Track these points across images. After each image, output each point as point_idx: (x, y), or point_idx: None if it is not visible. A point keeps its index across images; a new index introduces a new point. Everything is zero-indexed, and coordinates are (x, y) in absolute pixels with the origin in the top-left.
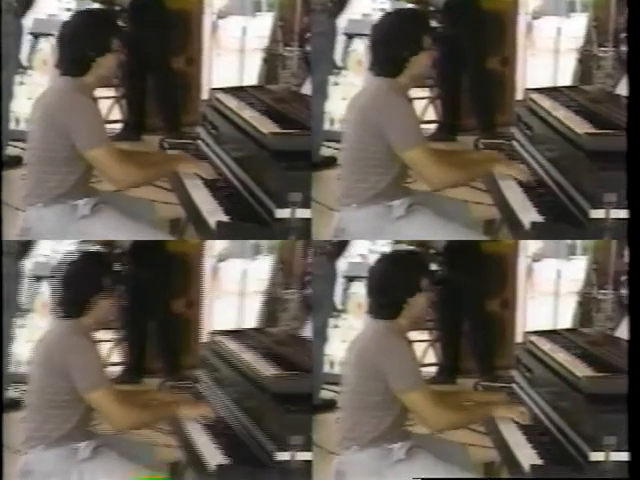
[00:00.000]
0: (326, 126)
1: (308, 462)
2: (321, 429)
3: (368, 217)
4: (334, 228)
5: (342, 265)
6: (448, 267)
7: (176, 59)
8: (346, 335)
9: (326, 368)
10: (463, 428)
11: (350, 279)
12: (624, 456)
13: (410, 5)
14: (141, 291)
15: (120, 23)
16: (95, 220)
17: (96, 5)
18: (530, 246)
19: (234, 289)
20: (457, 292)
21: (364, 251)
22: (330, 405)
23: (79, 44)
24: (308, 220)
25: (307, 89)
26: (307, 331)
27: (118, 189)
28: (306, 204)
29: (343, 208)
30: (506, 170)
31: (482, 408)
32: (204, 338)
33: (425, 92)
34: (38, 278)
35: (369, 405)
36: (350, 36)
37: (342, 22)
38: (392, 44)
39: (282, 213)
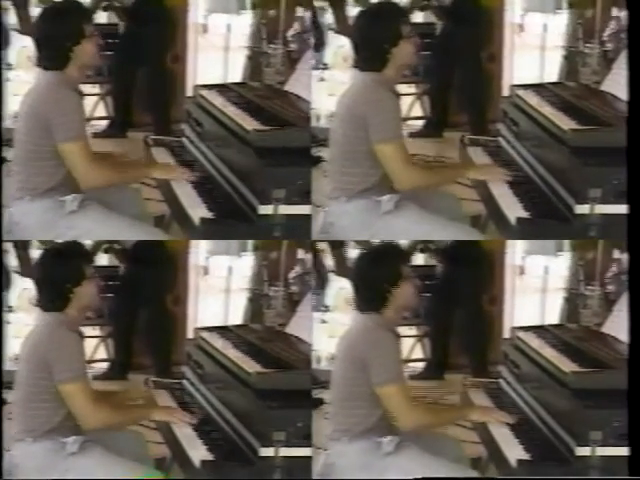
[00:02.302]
0: (312, 122)
1: (291, 457)
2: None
3: (356, 211)
4: (322, 223)
5: (329, 261)
6: (446, 264)
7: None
8: (334, 331)
9: (313, 364)
10: (434, 429)
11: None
12: (610, 451)
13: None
14: (131, 287)
15: (88, 7)
16: (82, 215)
17: None
18: (518, 243)
19: (220, 286)
20: (452, 288)
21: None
22: (317, 401)
23: (52, 38)
24: (291, 216)
25: (290, 86)
26: (291, 328)
27: (84, 187)
28: (290, 200)
29: (331, 202)
30: (480, 176)
31: (457, 411)
32: (190, 334)
33: (412, 88)
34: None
35: (358, 398)
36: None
37: (329, 19)
38: (371, 38)
39: (265, 210)
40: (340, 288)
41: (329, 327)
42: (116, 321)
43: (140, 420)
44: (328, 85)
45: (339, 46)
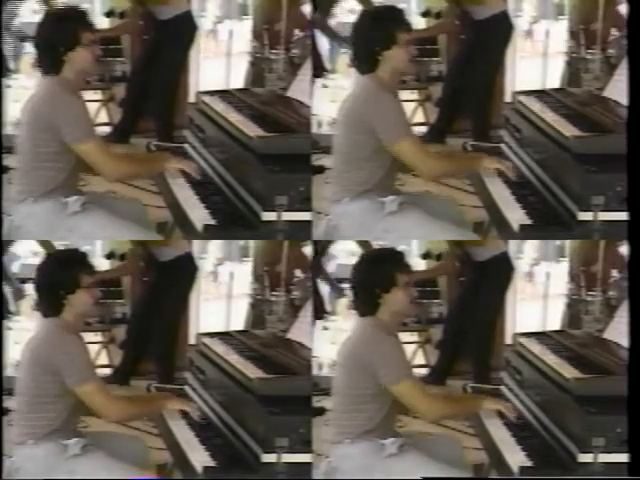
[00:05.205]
0: (314, 129)
1: (293, 463)
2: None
3: (359, 212)
4: (325, 227)
5: (330, 267)
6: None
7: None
8: (335, 337)
9: (314, 370)
10: (455, 418)
11: (338, 281)
12: (612, 457)
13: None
14: (155, 297)
15: (88, 19)
16: (84, 218)
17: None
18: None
19: (222, 291)
20: (474, 297)
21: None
22: (319, 410)
23: (48, 43)
24: (294, 222)
25: (293, 92)
26: (293, 333)
27: (110, 180)
28: (293, 207)
29: (334, 204)
30: (494, 164)
31: (472, 399)
32: (192, 340)
33: (415, 94)
34: (23, 280)
35: (361, 401)
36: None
37: (331, 24)
38: (364, 40)
39: (269, 216)
40: (342, 294)
41: (331, 334)
42: (130, 328)
43: (156, 410)
44: (330, 91)
45: (341, 52)
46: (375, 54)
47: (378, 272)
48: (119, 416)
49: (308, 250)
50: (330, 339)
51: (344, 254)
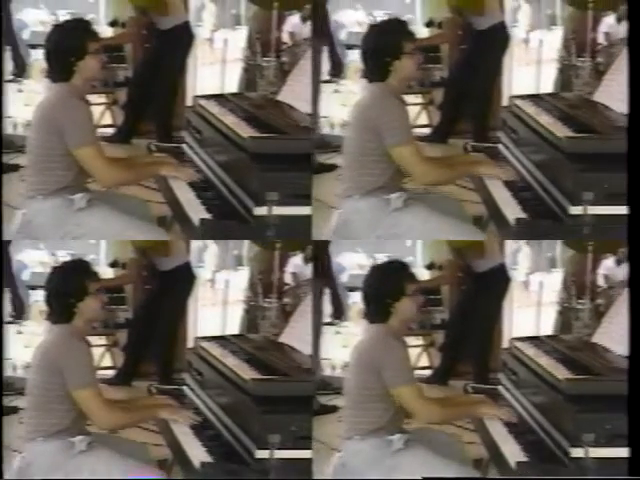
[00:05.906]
0: (326, 130)
1: (286, 459)
2: (321, 429)
3: (367, 209)
4: (336, 221)
5: (343, 277)
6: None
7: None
8: (347, 341)
9: (327, 372)
10: (451, 423)
11: (350, 289)
12: (602, 452)
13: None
14: (157, 304)
15: (93, 28)
16: (89, 213)
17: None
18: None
19: (218, 298)
20: (469, 303)
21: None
22: (331, 408)
23: (58, 53)
24: (284, 217)
25: (283, 96)
26: (285, 337)
27: (103, 187)
28: (283, 202)
29: (345, 201)
30: (489, 171)
31: (468, 406)
32: (190, 344)
33: (419, 98)
34: (33, 287)
35: (371, 400)
36: (348, 47)
37: (342, 34)
38: (375, 52)
39: (260, 211)
40: (353, 302)
41: (342, 337)
42: (132, 333)
43: (148, 420)
44: (341, 96)
45: (351, 60)
46: (387, 65)
47: (388, 283)
48: (110, 425)
49: (299, 259)
50: (342, 342)
51: (355, 266)
